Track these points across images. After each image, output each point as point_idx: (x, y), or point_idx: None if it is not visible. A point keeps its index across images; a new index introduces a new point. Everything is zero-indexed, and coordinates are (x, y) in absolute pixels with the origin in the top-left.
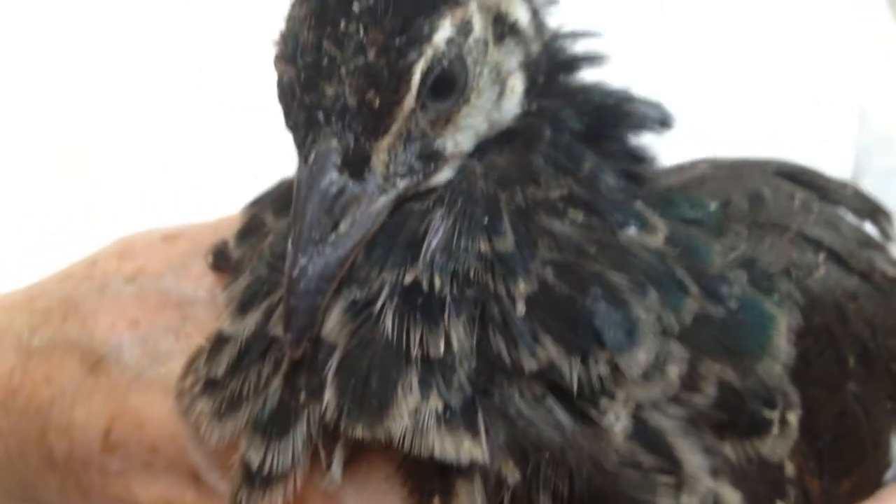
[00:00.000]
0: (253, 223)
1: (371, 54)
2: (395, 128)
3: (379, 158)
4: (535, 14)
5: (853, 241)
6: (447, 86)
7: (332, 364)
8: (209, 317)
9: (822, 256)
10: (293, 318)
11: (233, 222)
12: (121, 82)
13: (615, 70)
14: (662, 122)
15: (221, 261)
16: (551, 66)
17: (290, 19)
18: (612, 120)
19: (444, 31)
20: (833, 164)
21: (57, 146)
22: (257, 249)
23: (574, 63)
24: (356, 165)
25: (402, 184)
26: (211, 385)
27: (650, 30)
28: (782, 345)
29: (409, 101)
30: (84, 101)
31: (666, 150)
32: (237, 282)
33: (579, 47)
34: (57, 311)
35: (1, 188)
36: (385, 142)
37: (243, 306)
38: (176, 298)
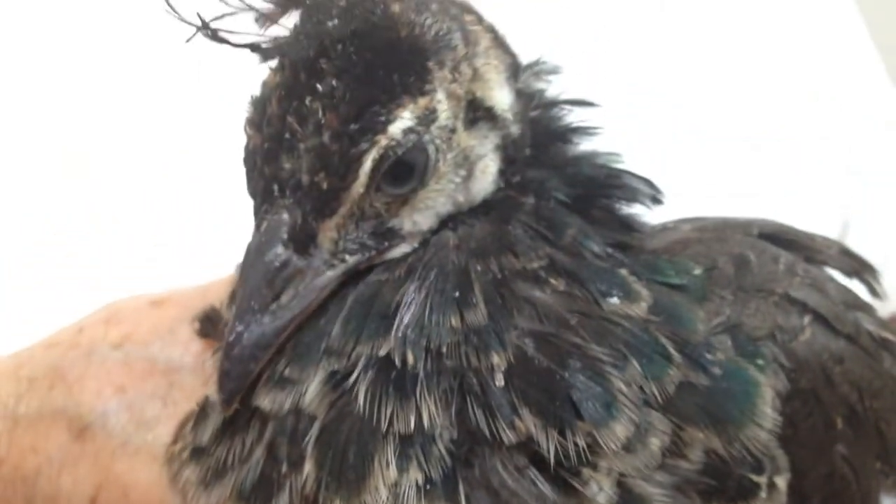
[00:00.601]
0: None
1: (326, 137)
2: (343, 210)
3: (326, 236)
4: (520, 94)
5: (839, 302)
6: (404, 172)
7: (312, 436)
8: (196, 383)
9: (807, 319)
10: (225, 381)
11: (221, 287)
12: (121, 82)
13: (615, 70)
14: (653, 198)
15: (208, 327)
16: (543, 136)
17: (264, 86)
18: (602, 192)
19: (402, 121)
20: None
21: (57, 146)
22: None
23: (566, 134)
24: (302, 241)
25: (351, 259)
26: (198, 452)
27: (650, 27)
28: (767, 411)
29: (358, 187)
30: (84, 101)
31: (667, 147)
32: None
33: (573, 118)
34: (43, 380)
35: (1, 188)
36: (333, 222)
37: None
38: (163, 365)
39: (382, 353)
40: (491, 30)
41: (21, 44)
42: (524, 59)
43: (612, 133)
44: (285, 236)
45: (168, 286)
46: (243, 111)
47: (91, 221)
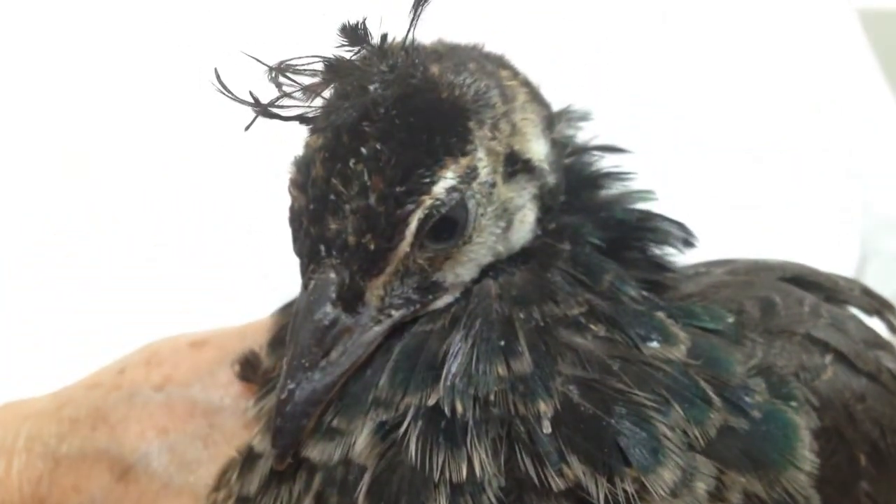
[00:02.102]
0: (283, 333)
1: (372, 199)
2: (389, 269)
3: (373, 294)
4: (555, 144)
5: (860, 341)
6: (447, 229)
7: (363, 486)
8: (236, 425)
9: (829, 358)
10: (279, 437)
11: (259, 328)
12: (121, 82)
13: (617, 81)
14: (686, 241)
15: (248, 370)
16: (576, 182)
17: (306, 147)
18: (635, 234)
19: (446, 181)
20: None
21: (57, 146)
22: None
23: (598, 179)
24: (350, 300)
25: (397, 314)
26: (243, 501)
27: (652, 39)
28: (806, 454)
29: (404, 247)
30: (84, 101)
31: (669, 159)
32: (267, 396)
33: (605, 163)
34: (85, 420)
35: (1, 188)
36: (380, 280)
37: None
38: (203, 406)
39: (431, 402)
40: (526, 83)
41: (21, 44)
42: (531, 74)
43: (638, 127)
44: (333, 295)
45: (168, 286)
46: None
47: (91, 221)
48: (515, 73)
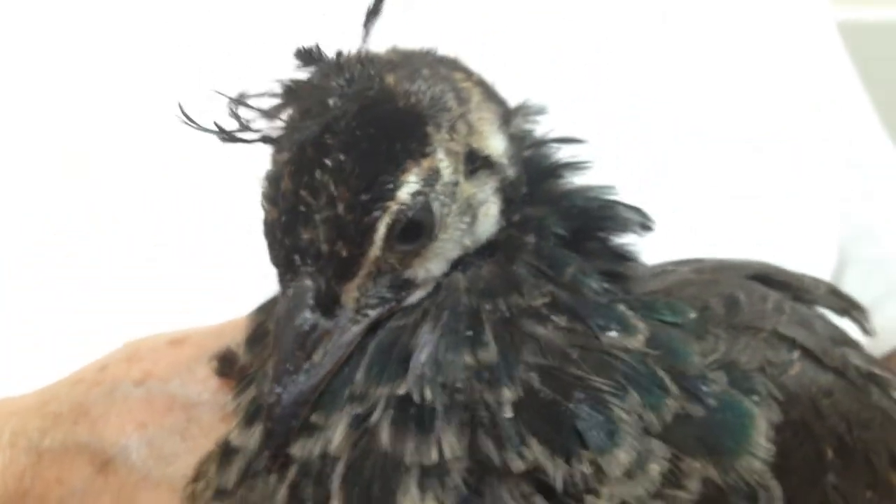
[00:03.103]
0: (260, 331)
1: (340, 208)
2: (362, 272)
3: (349, 297)
4: (513, 138)
5: (827, 339)
6: (414, 230)
7: (337, 475)
8: (214, 419)
9: (796, 354)
10: (270, 439)
11: (235, 327)
12: (121, 82)
13: (617, 76)
14: (643, 225)
15: (225, 366)
16: (536, 174)
17: (274, 162)
18: (596, 223)
19: (409, 185)
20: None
21: (57, 146)
22: (262, 359)
23: (557, 170)
24: (327, 304)
25: (373, 313)
26: (221, 494)
27: (652, 37)
28: (762, 441)
29: (374, 251)
30: (84, 101)
31: (669, 150)
32: (244, 392)
33: (562, 154)
34: (68, 415)
35: (1, 188)
36: (354, 283)
37: (249, 419)
38: (182, 401)
39: (402, 392)
40: (480, 83)
41: (21, 44)
42: (528, 72)
43: (615, 138)
44: (311, 301)
45: (168, 286)
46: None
47: (91, 221)
48: (469, 75)
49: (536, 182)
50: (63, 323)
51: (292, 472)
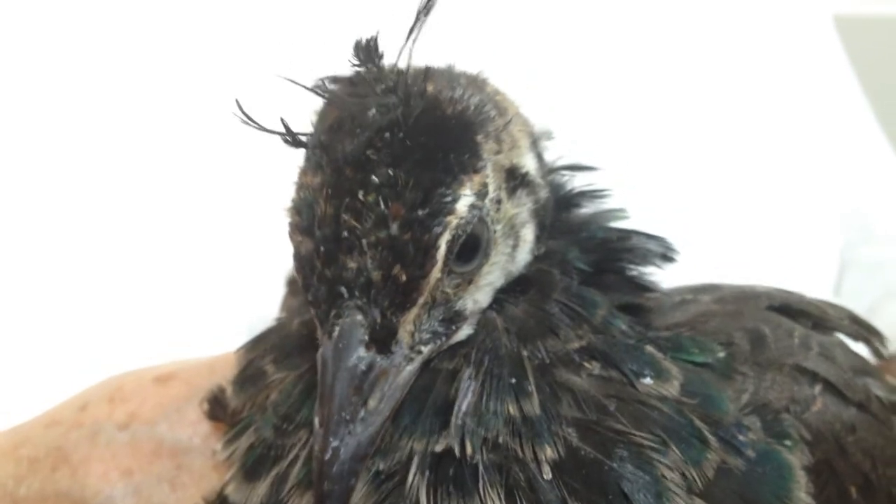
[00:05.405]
0: (251, 370)
1: (394, 228)
2: (421, 300)
3: (405, 330)
4: (540, 158)
5: (848, 370)
6: (471, 249)
7: None
8: (205, 466)
9: (818, 388)
10: (328, 501)
11: (228, 363)
12: (121, 84)
13: (619, 86)
14: (664, 255)
15: (217, 408)
16: (553, 202)
17: (303, 188)
18: (616, 255)
19: (467, 198)
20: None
21: (57, 146)
22: (257, 402)
23: (574, 199)
24: (383, 340)
25: (426, 349)
26: None
27: (654, 43)
28: (802, 496)
29: (436, 273)
30: (84, 101)
31: (670, 153)
32: (239, 439)
33: (577, 182)
34: (45, 460)
35: (1, 188)
36: (412, 314)
37: (250, 473)
38: (170, 446)
39: (439, 448)
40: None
41: (21, 44)
42: (525, 83)
43: (617, 141)
44: (365, 338)
45: (167, 287)
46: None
47: (91, 221)
48: (497, 89)
49: (555, 211)
50: (62, 324)
51: None
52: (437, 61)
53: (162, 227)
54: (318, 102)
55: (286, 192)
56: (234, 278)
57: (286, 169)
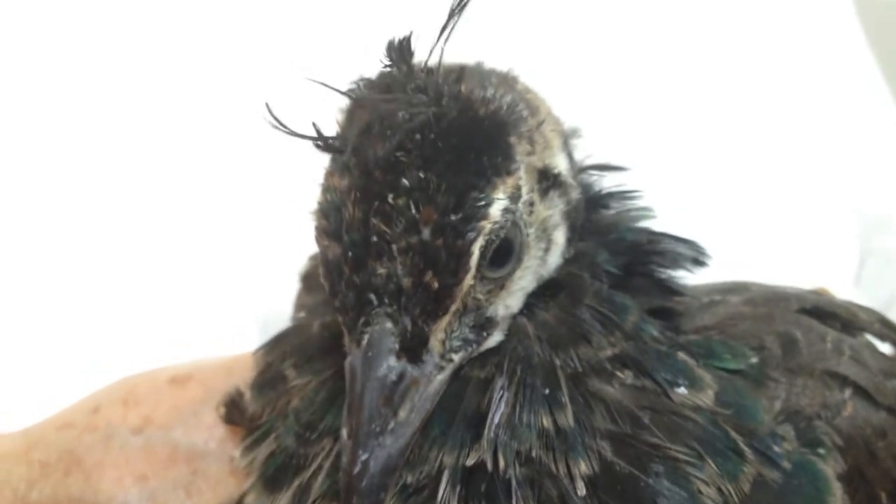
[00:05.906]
0: (271, 374)
1: (425, 233)
2: (454, 307)
3: (437, 338)
4: (571, 158)
5: (878, 372)
6: (504, 254)
7: None
8: (222, 471)
9: (847, 393)
10: None
11: (246, 364)
12: (121, 84)
13: (621, 85)
14: (696, 259)
15: (234, 412)
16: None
17: (329, 191)
18: (645, 258)
19: (500, 202)
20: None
21: (57, 146)
22: (277, 407)
23: (603, 200)
24: (414, 349)
25: (457, 357)
26: None
27: (656, 43)
28: None
29: (469, 279)
30: (84, 101)
31: (688, 144)
32: (259, 446)
33: (606, 182)
34: (58, 464)
35: (1, 188)
36: (444, 322)
37: (270, 483)
38: (186, 451)
39: (470, 462)
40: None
41: (21, 44)
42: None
43: (620, 139)
44: (396, 346)
45: (167, 287)
46: (244, 112)
47: (91, 221)
48: (527, 87)
49: (584, 212)
50: (61, 324)
51: None
52: (462, 58)
53: (169, 222)
54: (340, 102)
55: (294, 186)
56: (243, 273)
57: (294, 162)
